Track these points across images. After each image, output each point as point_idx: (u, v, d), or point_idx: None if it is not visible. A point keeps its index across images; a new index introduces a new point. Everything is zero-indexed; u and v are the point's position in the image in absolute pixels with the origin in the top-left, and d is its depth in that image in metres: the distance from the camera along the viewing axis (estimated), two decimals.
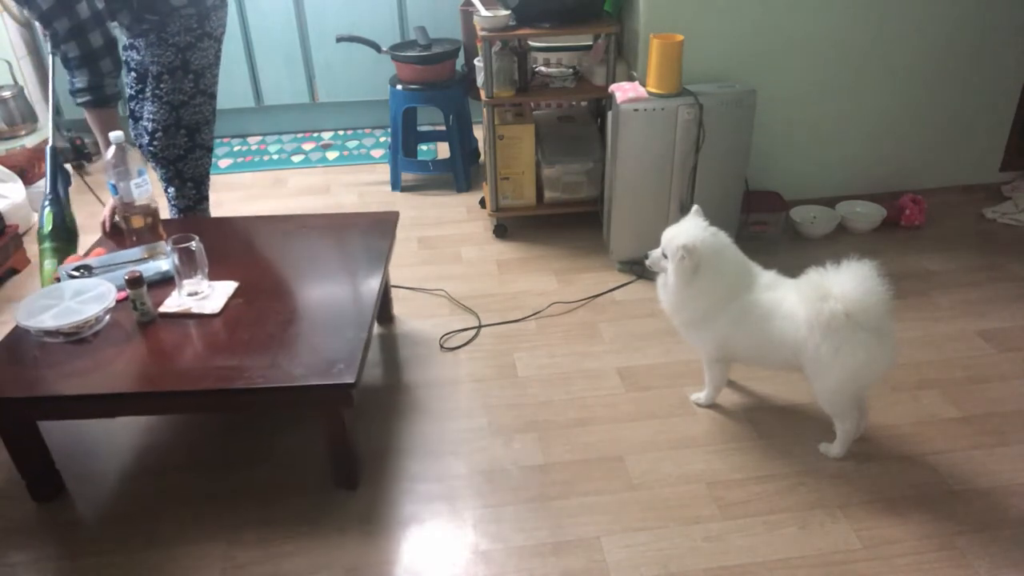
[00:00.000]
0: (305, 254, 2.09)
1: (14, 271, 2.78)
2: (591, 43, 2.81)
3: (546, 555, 1.64)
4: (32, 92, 3.60)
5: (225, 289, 1.90)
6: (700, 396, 2.04)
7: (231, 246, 2.15)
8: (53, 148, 2.32)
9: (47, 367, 1.67)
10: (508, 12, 2.61)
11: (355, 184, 3.45)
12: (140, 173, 2.08)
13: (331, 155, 3.77)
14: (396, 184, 3.37)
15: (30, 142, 3.26)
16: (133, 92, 2.48)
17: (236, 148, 3.89)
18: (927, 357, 2.21)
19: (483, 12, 2.62)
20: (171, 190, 2.45)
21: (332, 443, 1.75)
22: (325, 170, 3.63)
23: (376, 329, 2.31)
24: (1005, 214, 2.93)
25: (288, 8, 3.67)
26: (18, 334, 1.76)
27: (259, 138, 4.00)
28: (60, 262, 2.18)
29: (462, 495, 1.80)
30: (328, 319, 1.80)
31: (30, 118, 3.34)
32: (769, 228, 2.83)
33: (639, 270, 2.65)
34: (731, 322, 1.81)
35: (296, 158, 3.75)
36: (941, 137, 3.00)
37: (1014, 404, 2.03)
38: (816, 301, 1.65)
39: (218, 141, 3.91)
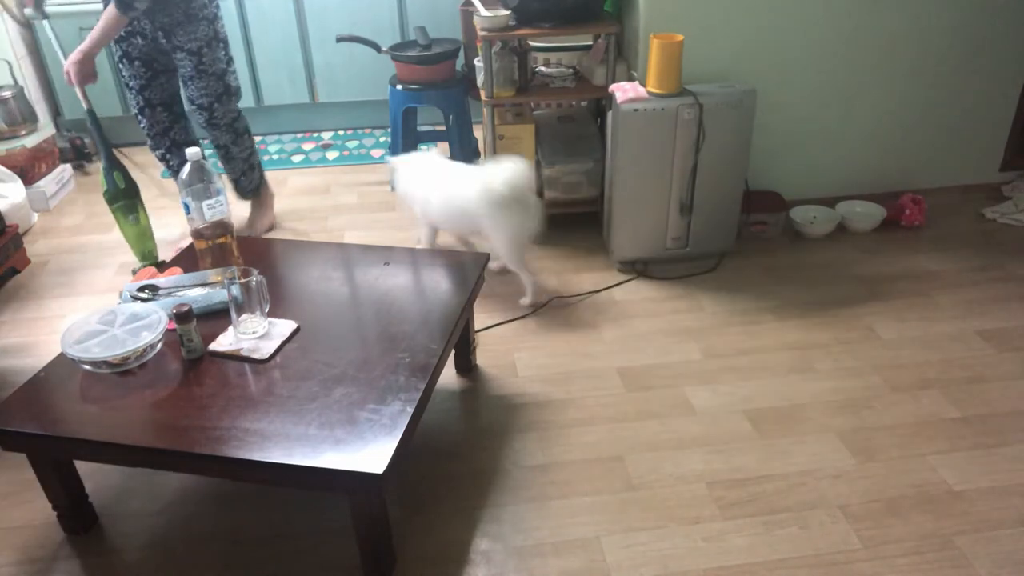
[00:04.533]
0: (376, 296, 1.94)
1: (14, 271, 2.78)
2: (591, 43, 2.81)
3: (546, 555, 1.65)
4: (32, 92, 3.60)
5: (283, 330, 1.76)
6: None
7: (302, 276, 2.03)
8: (92, 112, 2.48)
9: (83, 403, 1.60)
10: (508, 12, 2.62)
11: (355, 184, 3.45)
12: (217, 192, 1.97)
13: (331, 155, 3.77)
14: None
15: (30, 142, 3.26)
16: (144, 81, 2.51)
17: None
18: (927, 357, 2.21)
19: (483, 12, 2.62)
20: (234, 149, 2.70)
21: (359, 531, 1.54)
22: (325, 170, 3.63)
23: (455, 382, 2.20)
24: (1005, 214, 2.93)
25: (288, 8, 3.67)
26: (63, 360, 1.69)
27: (259, 138, 3.99)
28: (130, 215, 2.55)
29: (463, 495, 1.80)
30: (379, 380, 1.63)
31: (30, 118, 3.34)
32: (769, 228, 2.83)
33: (640, 267, 2.65)
34: (436, 208, 2.48)
35: (296, 158, 3.75)
36: (941, 137, 3.00)
37: (1014, 404, 2.03)
38: (486, 186, 2.30)
39: None
